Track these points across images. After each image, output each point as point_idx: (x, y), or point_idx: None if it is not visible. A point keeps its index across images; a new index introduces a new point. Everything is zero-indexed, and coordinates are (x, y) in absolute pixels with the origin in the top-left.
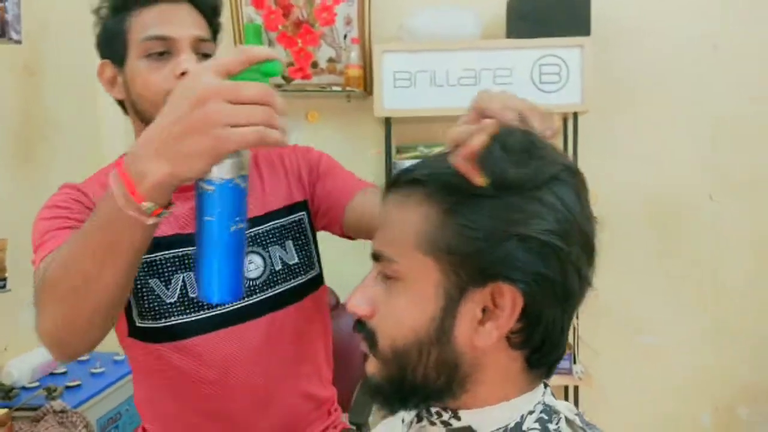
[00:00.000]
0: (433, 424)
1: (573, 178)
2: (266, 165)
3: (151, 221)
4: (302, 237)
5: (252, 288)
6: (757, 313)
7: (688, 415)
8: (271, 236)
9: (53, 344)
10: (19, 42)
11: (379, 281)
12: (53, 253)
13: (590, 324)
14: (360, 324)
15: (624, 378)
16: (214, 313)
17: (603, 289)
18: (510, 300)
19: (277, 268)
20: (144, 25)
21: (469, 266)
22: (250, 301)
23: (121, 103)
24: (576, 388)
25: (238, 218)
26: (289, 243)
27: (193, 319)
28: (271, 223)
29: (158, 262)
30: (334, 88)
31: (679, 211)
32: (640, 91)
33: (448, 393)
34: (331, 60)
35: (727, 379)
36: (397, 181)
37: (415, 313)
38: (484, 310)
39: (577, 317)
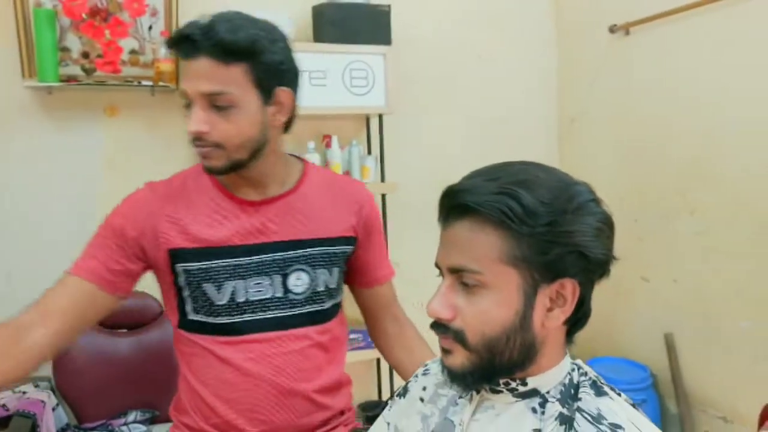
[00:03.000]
0: (497, 392)
1: (593, 195)
2: (328, 190)
3: None
4: (344, 267)
5: (294, 302)
6: None
7: None
8: (321, 259)
9: None
10: None
11: (456, 289)
12: None
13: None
14: (439, 326)
15: None
16: (259, 317)
17: (403, 261)
18: (571, 291)
19: (319, 289)
20: None
21: (542, 270)
22: (292, 312)
23: None
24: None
25: None
26: (336, 270)
27: (238, 320)
28: (324, 248)
29: (213, 269)
30: (144, 82)
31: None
32: (430, 94)
33: (521, 367)
34: (133, 52)
35: None
36: (458, 212)
37: (502, 310)
38: (550, 300)
39: None
